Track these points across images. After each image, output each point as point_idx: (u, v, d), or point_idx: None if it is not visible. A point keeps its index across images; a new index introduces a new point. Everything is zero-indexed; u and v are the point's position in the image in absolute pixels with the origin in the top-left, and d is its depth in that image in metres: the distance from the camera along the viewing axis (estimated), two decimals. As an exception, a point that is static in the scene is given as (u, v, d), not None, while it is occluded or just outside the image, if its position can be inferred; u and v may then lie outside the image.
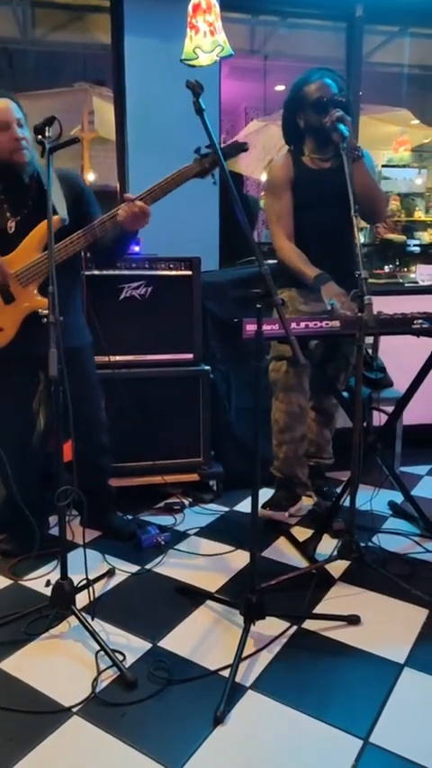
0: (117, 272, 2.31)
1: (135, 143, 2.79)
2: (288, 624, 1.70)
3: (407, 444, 2.82)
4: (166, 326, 2.43)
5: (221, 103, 2.95)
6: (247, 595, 1.59)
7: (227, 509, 2.48)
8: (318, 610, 1.79)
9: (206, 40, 2.27)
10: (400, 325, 1.86)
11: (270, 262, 2.41)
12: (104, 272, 2.25)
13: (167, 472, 2.45)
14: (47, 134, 1.63)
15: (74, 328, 1.97)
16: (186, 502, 2.51)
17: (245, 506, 2.46)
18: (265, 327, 1.67)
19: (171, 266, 2.42)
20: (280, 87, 4.46)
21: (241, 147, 1.74)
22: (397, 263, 4.37)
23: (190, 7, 2.30)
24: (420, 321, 1.86)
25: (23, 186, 1.82)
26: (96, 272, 2.30)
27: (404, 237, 4.67)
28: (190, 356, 2.48)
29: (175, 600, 1.84)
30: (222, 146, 1.73)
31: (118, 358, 2.36)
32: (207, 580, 1.94)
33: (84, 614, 1.62)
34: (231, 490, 2.56)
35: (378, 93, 4.31)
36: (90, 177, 4.28)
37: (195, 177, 1.70)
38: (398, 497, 2.41)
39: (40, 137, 1.64)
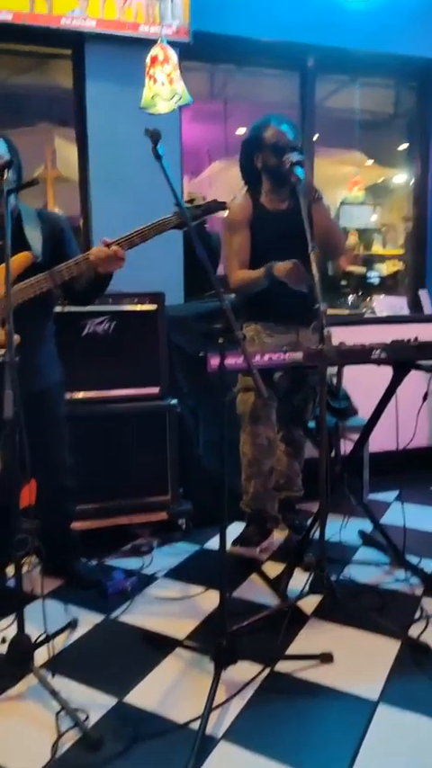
0: (80, 309, 2.28)
1: (98, 183, 2.82)
2: (261, 667, 1.63)
3: (375, 472, 2.83)
4: (131, 361, 2.40)
5: (185, 146, 3.02)
6: (218, 640, 1.53)
7: (197, 547, 2.42)
8: (291, 649, 1.74)
9: (164, 89, 2.35)
10: (360, 355, 1.90)
11: (233, 296, 2.45)
12: (66, 309, 2.22)
13: (134, 512, 2.38)
14: (5, 176, 1.63)
15: (44, 367, 1.93)
16: (155, 542, 2.43)
17: (215, 544, 2.39)
18: (230, 360, 1.67)
19: (135, 301, 2.42)
20: (241, 130, 4.63)
21: (221, 206, 1.80)
22: (360, 294, 4.51)
23: (148, 59, 2.38)
24: (378, 351, 1.90)
25: None
26: (58, 309, 2.27)
27: (364, 269, 4.84)
28: (156, 390, 2.45)
29: (141, 650, 1.75)
30: (204, 202, 1.77)
31: (82, 395, 2.32)
32: (176, 625, 1.86)
33: (43, 672, 1.53)
34: (202, 527, 2.49)
35: (333, 137, 4.50)
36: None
37: (174, 229, 1.73)
38: (368, 526, 2.40)
39: None
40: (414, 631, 1.79)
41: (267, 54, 3.12)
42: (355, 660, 1.68)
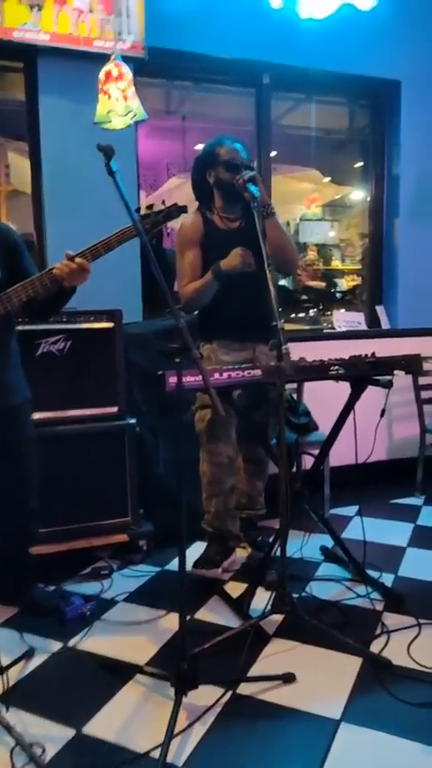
0: (33, 327, 2.23)
1: (52, 198, 2.78)
2: (222, 691, 1.61)
3: (335, 486, 2.85)
4: (87, 381, 2.35)
5: (144, 160, 3.01)
6: (177, 665, 1.50)
7: (158, 569, 2.38)
8: (253, 670, 1.72)
9: (119, 104, 2.34)
10: (318, 371, 1.92)
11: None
12: (20, 328, 2.16)
13: (93, 534, 2.32)
14: None
15: (13, 384, 1.87)
16: (114, 565, 2.37)
17: (177, 565, 2.36)
18: (188, 379, 1.66)
19: (92, 319, 2.38)
20: (199, 146, 4.68)
21: (182, 210, 1.79)
22: (320, 308, 4.60)
23: (102, 74, 2.37)
24: (336, 367, 1.92)
25: None
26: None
27: (324, 284, 4.94)
28: (114, 410, 2.41)
29: (100, 678, 1.70)
30: (164, 207, 1.76)
31: (38, 416, 2.25)
32: (137, 651, 1.82)
33: (-4, 706, 1.46)
34: (163, 548, 2.45)
35: (290, 154, 4.59)
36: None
37: (136, 237, 1.69)
38: (330, 541, 2.41)
39: None
40: (375, 647, 1.80)
41: (223, 71, 3.15)
42: (317, 679, 1.68)
